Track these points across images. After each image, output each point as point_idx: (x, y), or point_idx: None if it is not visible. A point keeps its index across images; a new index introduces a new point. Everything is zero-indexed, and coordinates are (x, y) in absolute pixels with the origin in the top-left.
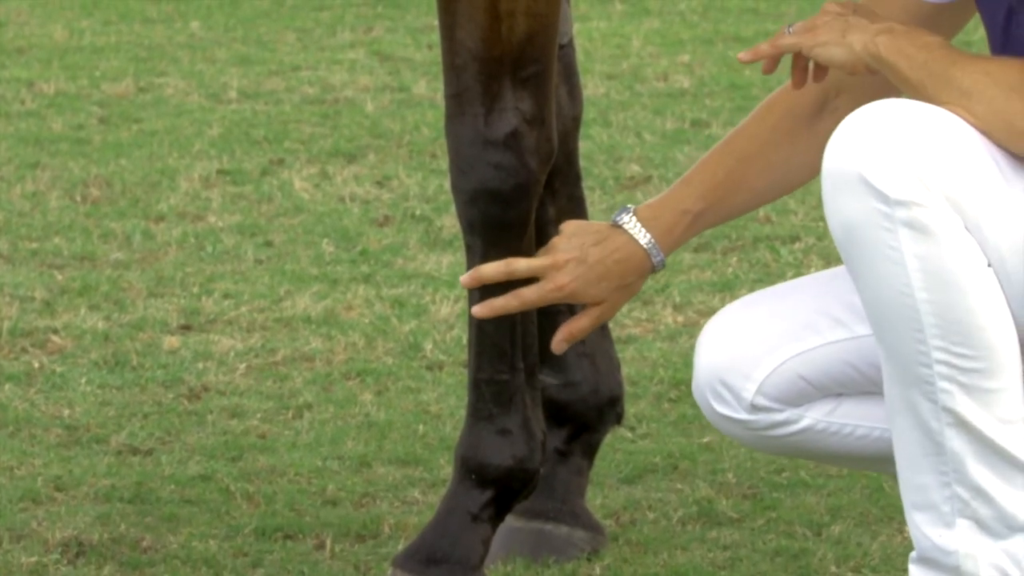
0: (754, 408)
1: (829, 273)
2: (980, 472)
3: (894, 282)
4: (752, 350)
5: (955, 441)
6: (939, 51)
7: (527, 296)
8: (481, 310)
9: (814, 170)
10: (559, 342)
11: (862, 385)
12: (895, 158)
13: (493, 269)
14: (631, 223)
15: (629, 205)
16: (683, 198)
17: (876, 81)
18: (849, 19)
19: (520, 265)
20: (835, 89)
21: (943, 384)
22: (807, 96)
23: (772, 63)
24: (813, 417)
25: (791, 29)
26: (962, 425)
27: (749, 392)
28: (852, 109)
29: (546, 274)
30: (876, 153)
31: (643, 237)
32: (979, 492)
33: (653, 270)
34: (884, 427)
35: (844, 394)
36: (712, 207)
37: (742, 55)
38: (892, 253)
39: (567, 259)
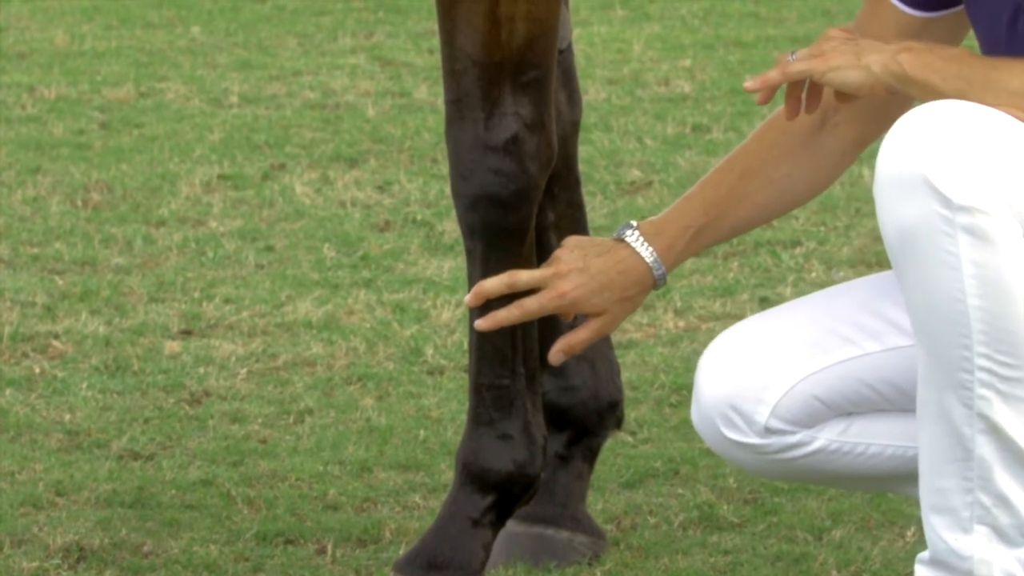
0: (767, 432)
1: (829, 292)
2: (1006, 481)
3: (947, 287)
4: (762, 373)
5: (985, 448)
6: (970, 59)
7: (529, 306)
8: (484, 323)
9: (816, 186)
10: (557, 352)
11: (875, 403)
12: (959, 161)
13: (496, 283)
14: (634, 237)
15: (632, 221)
16: (685, 213)
17: (874, 99)
18: (860, 42)
19: (522, 277)
20: (834, 107)
21: (981, 391)
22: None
23: (770, 93)
24: (826, 438)
25: (794, 56)
26: (994, 432)
27: (763, 416)
28: (851, 126)
29: (548, 283)
30: (939, 156)
31: (646, 251)
32: (1002, 500)
33: (655, 285)
34: (896, 444)
35: (855, 413)
36: (714, 222)
37: (748, 84)
38: (949, 258)
39: (569, 268)
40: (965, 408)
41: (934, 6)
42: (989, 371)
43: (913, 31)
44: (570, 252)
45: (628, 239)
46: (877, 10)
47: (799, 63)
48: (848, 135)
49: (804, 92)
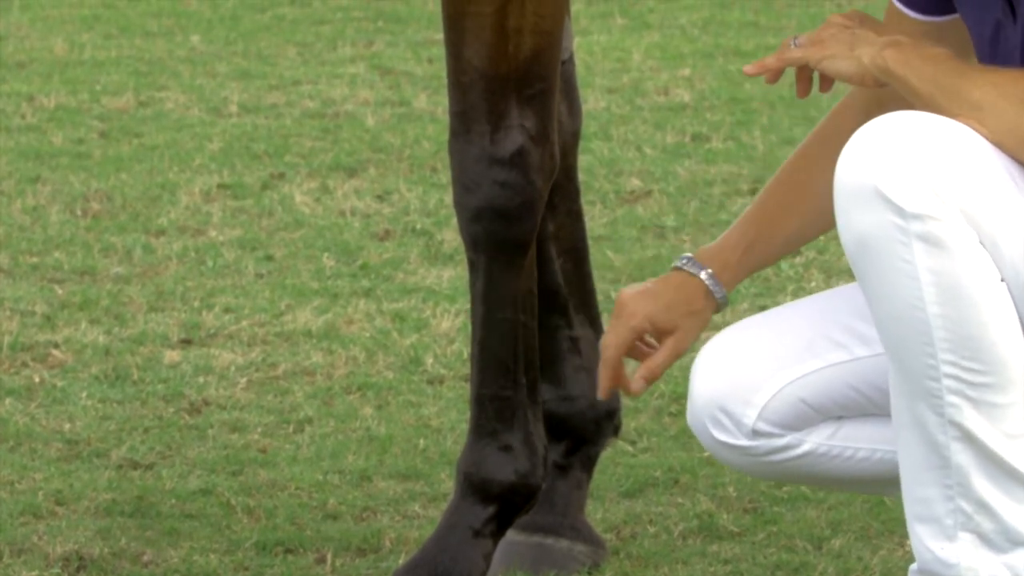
0: (755, 434)
1: (824, 295)
2: (984, 486)
3: (906, 295)
4: (751, 375)
5: (961, 455)
6: (947, 64)
7: (609, 343)
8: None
9: None
10: (639, 380)
11: (863, 407)
12: (911, 171)
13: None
14: (687, 263)
15: (687, 253)
16: (736, 231)
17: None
18: (856, 32)
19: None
20: (878, 108)
21: (951, 398)
22: (854, 118)
23: (775, 75)
24: (814, 441)
25: (797, 42)
26: (968, 439)
27: (750, 418)
28: None
29: (619, 318)
30: (891, 166)
31: (700, 271)
32: (983, 506)
33: (717, 306)
34: (885, 448)
35: (844, 417)
36: (764, 235)
37: (747, 68)
38: (905, 266)
39: (631, 296)
40: (937, 416)
41: (936, 11)
42: (956, 378)
43: (924, 35)
44: (629, 290)
45: (683, 266)
46: (892, 16)
47: (797, 50)
48: None
49: (815, 73)
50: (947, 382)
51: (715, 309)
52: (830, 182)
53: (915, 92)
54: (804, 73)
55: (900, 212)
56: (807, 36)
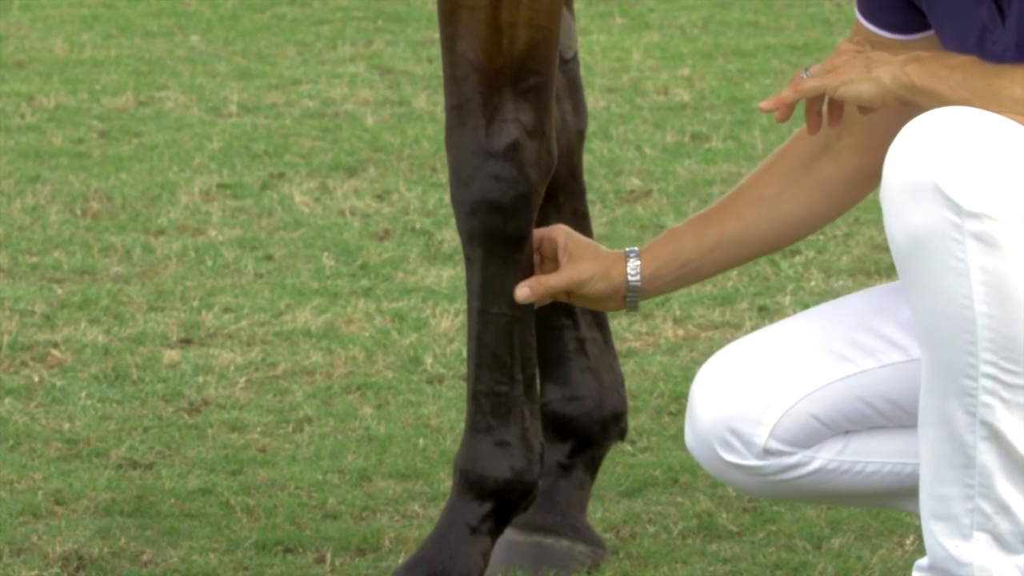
0: (767, 453)
1: (821, 309)
2: (1007, 488)
3: (955, 293)
4: (759, 394)
5: (987, 455)
6: (974, 68)
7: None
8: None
9: (815, 213)
10: (523, 287)
11: (873, 420)
12: (969, 168)
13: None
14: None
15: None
16: (672, 231)
17: (877, 119)
18: (869, 55)
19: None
20: (836, 133)
21: (985, 398)
22: (812, 138)
23: (788, 111)
24: (824, 457)
25: (808, 73)
26: (997, 440)
27: (761, 437)
28: (857, 153)
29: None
30: (949, 162)
31: (629, 250)
32: (1003, 507)
33: (627, 278)
34: (895, 461)
35: (852, 432)
36: (698, 229)
37: (763, 104)
38: (957, 264)
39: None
40: (968, 415)
41: (907, 29)
42: (994, 378)
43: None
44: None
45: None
46: (859, 32)
47: (812, 80)
48: (853, 162)
49: (824, 106)
50: (984, 382)
51: (624, 270)
52: (776, 191)
53: (946, 101)
54: (814, 107)
55: (957, 210)
56: (818, 66)
